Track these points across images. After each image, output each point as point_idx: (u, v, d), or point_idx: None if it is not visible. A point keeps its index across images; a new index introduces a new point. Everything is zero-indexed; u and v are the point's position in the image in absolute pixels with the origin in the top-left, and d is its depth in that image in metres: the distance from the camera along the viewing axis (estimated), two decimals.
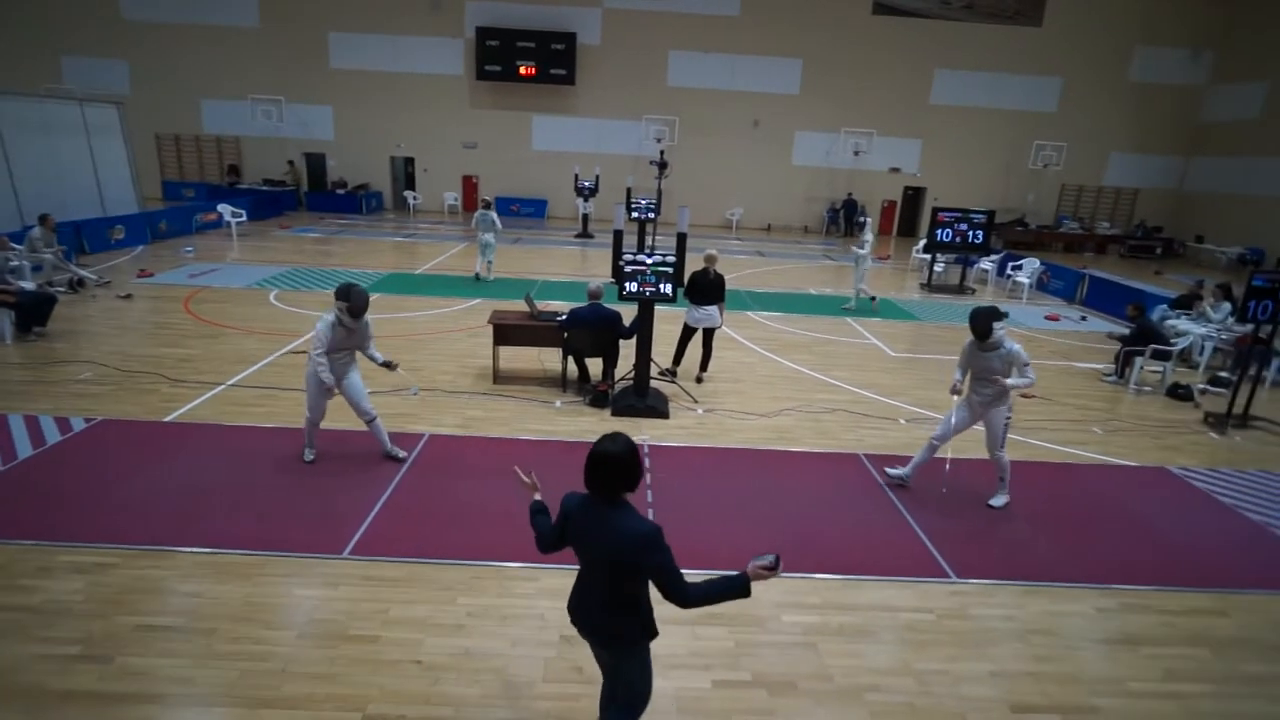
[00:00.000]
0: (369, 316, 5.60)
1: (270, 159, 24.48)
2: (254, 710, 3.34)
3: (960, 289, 15.45)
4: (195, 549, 4.55)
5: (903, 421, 7.53)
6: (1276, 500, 6.20)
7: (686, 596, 2.46)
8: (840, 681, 3.76)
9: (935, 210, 15.39)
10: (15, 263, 9.90)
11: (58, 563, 4.33)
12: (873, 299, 13.00)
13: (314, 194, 24.24)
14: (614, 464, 2.46)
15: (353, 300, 5.36)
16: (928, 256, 16.03)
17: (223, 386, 7.38)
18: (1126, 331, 9.60)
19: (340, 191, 24.20)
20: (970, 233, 15.14)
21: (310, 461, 5.79)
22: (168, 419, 6.50)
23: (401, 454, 5.95)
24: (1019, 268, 15.86)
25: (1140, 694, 3.81)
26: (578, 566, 2.73)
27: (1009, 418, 5.62)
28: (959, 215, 15.17)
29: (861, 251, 12.27)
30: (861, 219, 12.52)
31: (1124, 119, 24.38)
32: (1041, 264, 16.02)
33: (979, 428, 5.74)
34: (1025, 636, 4.22)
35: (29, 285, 9.21)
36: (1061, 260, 19.62)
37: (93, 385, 7.19)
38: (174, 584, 4.22)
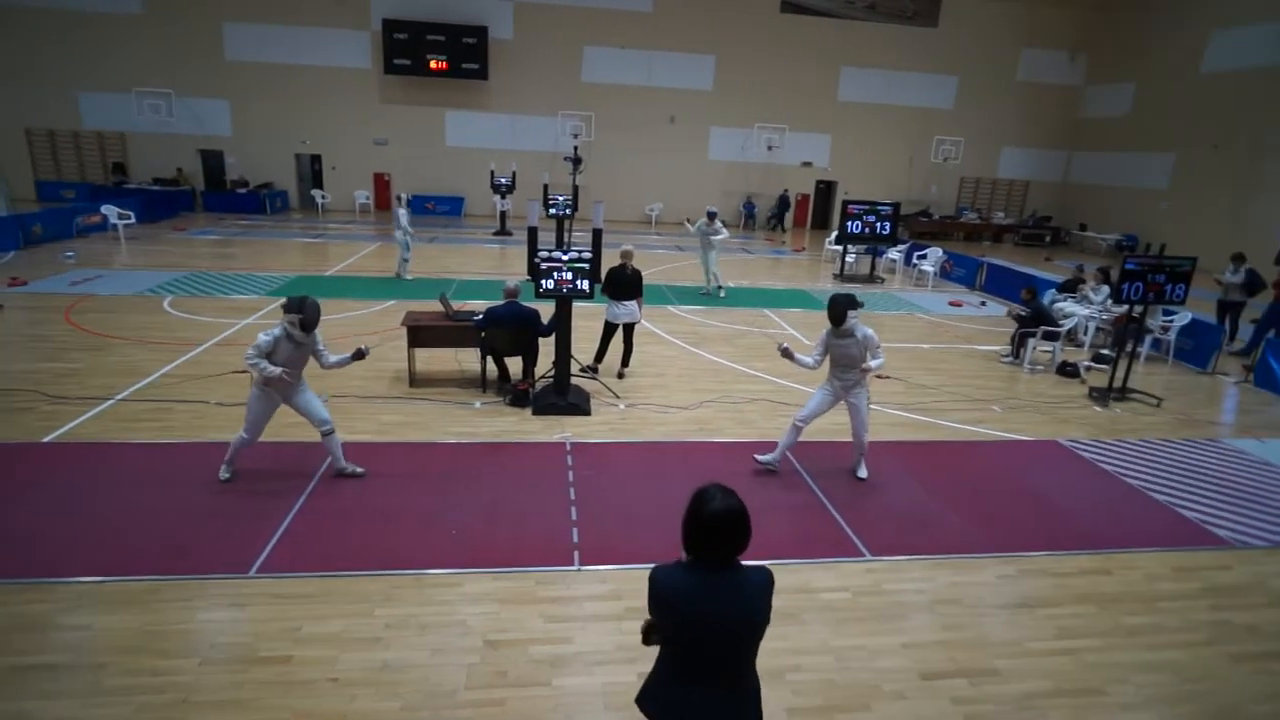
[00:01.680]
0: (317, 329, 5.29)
1: (161, 156, 22.87)
2: None
3: (870, 278, 16.09)
4: (81, 579, 4.21)
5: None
6: (1150, 465, 6.76)
7: None
8: (762, 664, 3.83)
9: (845, 203, 15.97)
10: None
11: None
12: (719, 288, 13.36)
13: (212, 194, 22.82)
14: (744, 520, 2.12)
15: (306, 313, 5.08)
16: (840, 248, 16.62)
17: (111, 402, 6.86)
18: (1022, 311, 10.24)
19: (241, 191, 22.88)
20: (878, 224, 15.77)
21: (226, 480, 5.43)
22: (46, 439, 5.99)
23: (359, 470, 5.62)
24: (924, 257, 16.66)
25: (1037, 653, 4.08)
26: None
27: (869, 401, 5.93)
28: (867, 208, 15.79)
29: (721, 235, 12.80)
30: (712, 209, 12.93)
31: (1014, 115, 26.00)
32: (944, 253, 16.89)
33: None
34: (934, 607, 4.45)
35: None
36: (963, 249, 20.74)
37: None
38: (56, 618, 3.89)
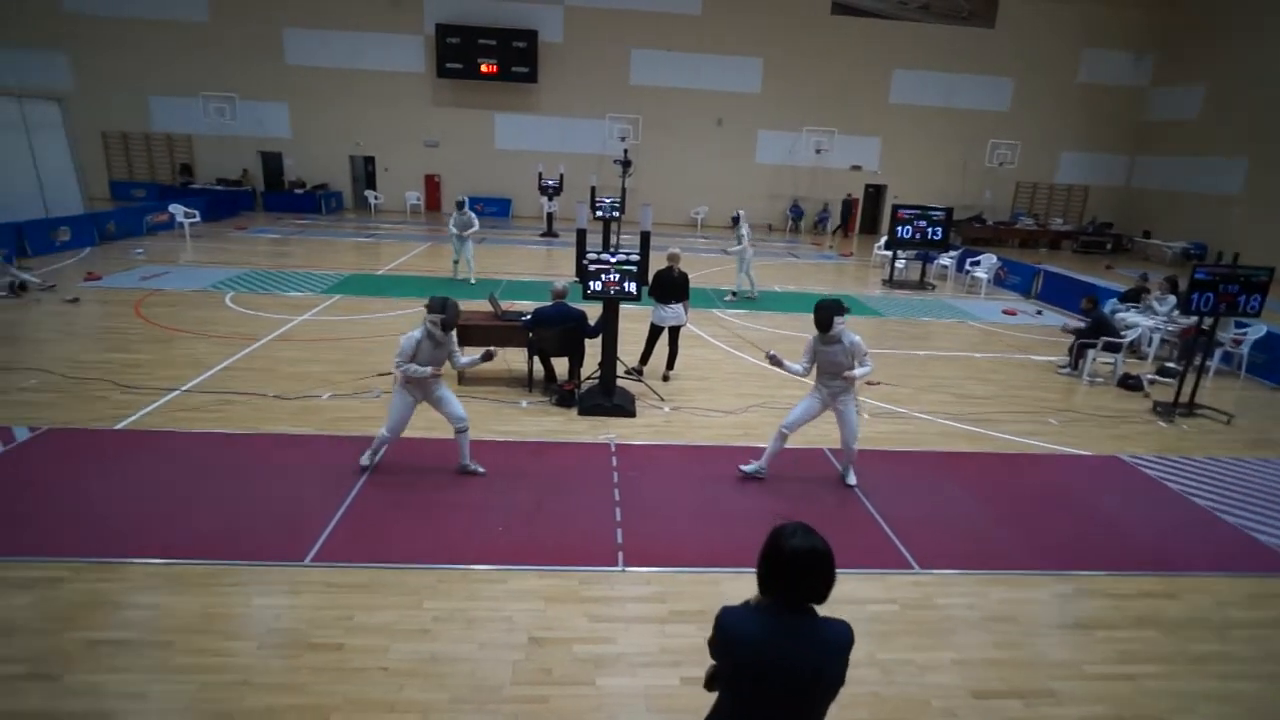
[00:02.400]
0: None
1: (224, 158, 23.80)
2: None
3: (921, 285, 15.74)
4: (149, 560, 4.41)
5: (865, 416, 7.63)
6: (1221, 485, 6.45)
7: None
8: None
9: (895, 208, 15.65)
10: None
11: (2, 579, 4.16)
12: (734, 293, 13.25)
13: (271, 194, 23.63)
14: (828, 561, 1.99)
15: (448, 313, 5.37)
16: (889, 253, 16.30)
17: (177, 392, 7.16)
18: (1080, 323, 9.89)
19: (298, 191, 23.64)
20: (929, 229, 15.41)
21: (365, 466, 5.71)
22: (118, 426, 6.28)
23: (480, 469, 5.78)
24: (977, 264, 16.22)
25: (1095, 676, 3.93)
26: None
27: (858, 408, 5.81)
28: (918, 212, 15.45)
29: (738, 246, 12.57)
30: (736, 214, 12.73)
31: (1073, 118, 25.10)
32: (998, 260, 16.43)
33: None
34: (986, 624, 4.32)
35: None
36: (1018, 256, 20.12)
37: (38, 393, 6.91)
38: (127, 597, 4.08)
